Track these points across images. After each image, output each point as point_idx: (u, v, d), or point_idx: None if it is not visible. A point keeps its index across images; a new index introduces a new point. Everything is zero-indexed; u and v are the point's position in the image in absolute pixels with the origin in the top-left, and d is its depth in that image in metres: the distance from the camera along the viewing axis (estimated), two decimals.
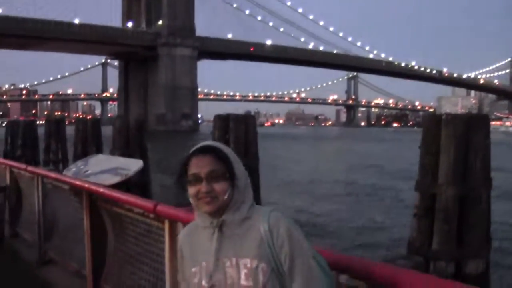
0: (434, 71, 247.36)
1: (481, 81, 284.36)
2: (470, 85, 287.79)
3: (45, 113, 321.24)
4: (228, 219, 2.42)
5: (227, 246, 2.40)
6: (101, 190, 5.95)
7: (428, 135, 10.59)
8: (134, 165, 7.26)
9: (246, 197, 2.46)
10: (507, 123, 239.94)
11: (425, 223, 10.40)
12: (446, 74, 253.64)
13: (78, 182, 6.70)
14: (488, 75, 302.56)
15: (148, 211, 4.82)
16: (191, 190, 2.40)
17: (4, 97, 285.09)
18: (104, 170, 7.07)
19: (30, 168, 9.08)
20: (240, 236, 2.40)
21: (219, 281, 2.38)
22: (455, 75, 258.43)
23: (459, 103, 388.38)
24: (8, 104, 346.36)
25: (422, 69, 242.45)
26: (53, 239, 8.25)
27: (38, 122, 39.01)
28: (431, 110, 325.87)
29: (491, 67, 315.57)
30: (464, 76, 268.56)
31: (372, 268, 2.69)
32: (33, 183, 8.70)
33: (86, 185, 6.35)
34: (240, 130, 15.82)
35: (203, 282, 2.42)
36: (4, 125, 37.40)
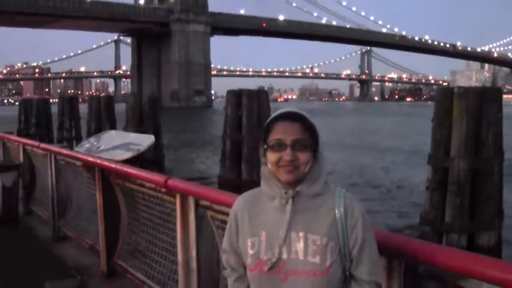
0: (447, 45, 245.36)
1: (495, 55, 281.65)
2: (484, 58, 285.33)
3: (58, 91, 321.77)
4: (303, 192, 2.29)
5: (297, 220, 2.27)
6: (113, 165, 5.99)
7: (440, 109, 10.55)
8: (146, 140, 7.28)
9: (322, 172, 2.34)
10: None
11: (437, 196, 10.40)
12: (460, 48, 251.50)
13: (90, 158, 6.74)
14: (502, 48, 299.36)
15: (159, 185, 4.85)
16: (272, 156, 2.25)
17: (17, 75, 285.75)
18: (116, 146, 7.11)
19: (43, 145, 9.13)
20: (312, 210, 2.29)
21: (284, 254, 2.25)
22: (469, 48, 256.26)
23: (473, 76, 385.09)
24: (21, 82, 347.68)
25: (435, 43, 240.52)
26: (67, 216, 8.30)
27: (51, 100, 39.10)
28: (445, 84, 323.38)
29: (505, 40, 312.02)
30: (478, 49, 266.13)
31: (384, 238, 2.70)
32: (46, 161, 8.75)
33: (99, 161, 6.39)
34: (253, 105, 15.80)
35: (262, 255, 2.28)
36: (17, 103, 37.44)
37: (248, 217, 2.39)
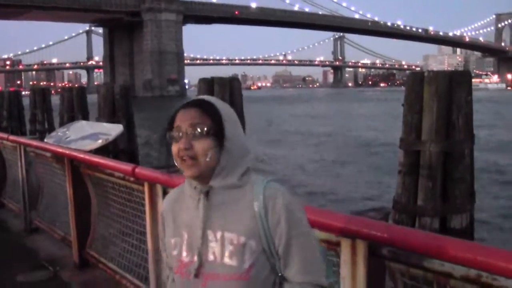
0: (420, 30, 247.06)
1: (467, 39, 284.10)
2: (456, 43, 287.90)
3: (31, 83, 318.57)
4: (216, 186, 2.02)
5: (213, 217, 2.02)
6: (81, 155, 5.96)
7: (411, 93, 10.62)
8: (114, 129, 7.24)
9: (239, 162, 2.03)
10: (486, 80, 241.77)
11: (409, 180, 10.48)
12: (431, 33, 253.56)
13: (59, 149, 6.69)
14: (473, 33, 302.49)
15: (127, 174, 4.84)
16: (173, 149, 2.01)
17: None
18: (84, 136, 7.06)
19: (12, 137, 9.03)
20: (229, 206, 2.03)
21: (201, 256, 2.02)
22: (440, 33, 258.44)
23: (445, 61, 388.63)
24: None
25: (408, 28, 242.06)
26: (38, 208, 8.25)
27: (23, 93, 38.74)
28: (418, 69, 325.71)
29: (476, 25, 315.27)
30: (450, 34, 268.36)
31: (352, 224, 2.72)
32: (16, 153, 8.67)
33: (67, 152, 6.35)
34: (225, 93, 15.78)
35: (183, 256, 2.07)
36: None
37: (172, 216, 2.18)
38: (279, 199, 1.97)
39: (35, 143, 8.00)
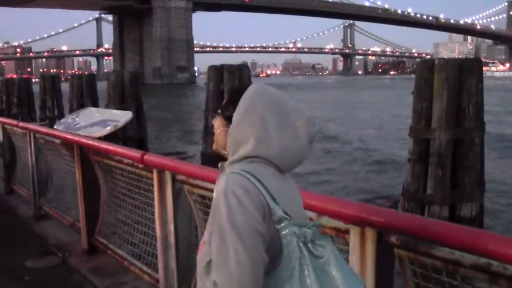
0: (430, 17, 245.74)
1: (478, 27, 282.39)
2: (467, 30, 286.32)
3: (41, 70, 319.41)
4: (224, 165, 2.02)
5: None
6: (91, 142, 5.95)
7: (421, 81, 10.57)
8: (123, 116, 7.20)
9: (236, 148, 1.96)
10: (493, 69, 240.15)
11: (419, 168, 10.46)
12: (442, 20, 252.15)
13: (68, 136, 6.68)
14: (485, 20, 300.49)
15: (136, 161, 4.83)
16: None
17: None
18: (94, 122, 7.04)
19: (21, 124, 9.04)
20: None
21: None
22: (451, 21, 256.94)
23: (456, 49, 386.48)
24: (3, 62, 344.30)
25: (418, 15, 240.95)
26: (47, 194, 8.27)
27: (33, 80, 38.87)
28: (428, 56, 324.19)
29: (487, 12, 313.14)
30: (461, 22, 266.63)
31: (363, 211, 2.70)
32: (25, 139, 8.69)
33: (76, 138, 6.34)
34: (234, 80, 15.77)
35: None
36: None
37: None
38: (217, 193, 1.85)
39: (44, 129, 8.00)
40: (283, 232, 1.81)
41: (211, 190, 3.81)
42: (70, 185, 7.31)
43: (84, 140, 6.15)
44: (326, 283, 1.79)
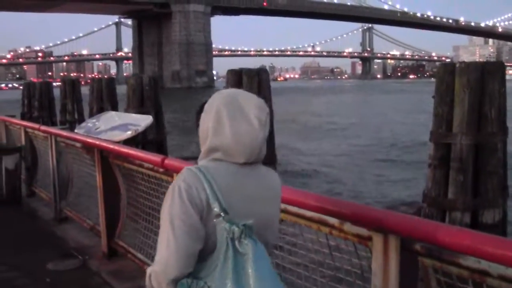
0: (450, 20, 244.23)
1: (499, 29, 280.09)
2: (488, 33, 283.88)
3: (61, 74, 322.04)
4: None
5: None
6: (111, 146, 5.98)
7: (441, 85, 10.48)
8: (144, 120, 7.25)
9: (202, 144, 2.21)
10: (510, 72, 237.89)
11: (440, 173, 10.35)
12: (463, 23, 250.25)
13: (89, 140, 6.73)
14: (506, 23, 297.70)
15: (157, 165, 4.83)
16: None
17: (21, 60, 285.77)
18: (114, 126, 7.09)
19: (43, 127, 9.14)
20: None
21: None
22: (472, 23, 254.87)
23: (477, 52, 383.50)
24: (25, 66, 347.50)
25: (438, 18, 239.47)
26: (68, 197, 8.33)
27: (54, 84, 39.23)
28: (448, 60, 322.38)
29: (509, 15, 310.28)
30: (482, 24, 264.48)
31: (383, 217, 2.67)
32: (47, 143, 8.76)
33: (97, 142, 6.38)
34: (253, 84, 15.77)
35: None
36: (21, 87, 37.70)
37: None
38: (172, 184, 2.12)
39: (65, 133, 8.07)
40: (218, 227, 2.02)
41: None
42: (90, 189, 7.34)
43: (104, 144, 6.19)
44: (242, 278, 1.97)
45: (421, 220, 2.55)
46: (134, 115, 9.50)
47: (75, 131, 7.94)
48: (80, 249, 6.83)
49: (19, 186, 9.94)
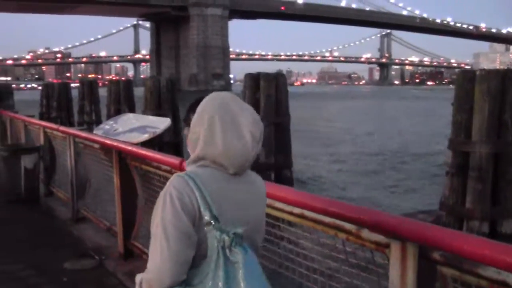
0: (471, 27, 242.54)
1: None
2: (510, 40, 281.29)
3: (79, 75, 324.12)
4: None
5: None
6: (130, 148, 6.00)
7: (461, 92, 10.43)
8: (162, 123, 7.26)
9: (192, 148, 2.22)
10: None
11: (458, 181, 10.30)
12: (483, 30, 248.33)
13: (107, 141, 6.76)
14: None
15: (175, 167, 4.84)
16: None
17: (40, 60, 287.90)
18: (132, 128, 7.12)
19: (62, 128, 9.21)
20: None
21: None
22: (493, 30, 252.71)
23: (497, 59, 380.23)
24: (43, 67, 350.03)
25: (458, 25, 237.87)
26: (85, 197, 8.37)
27: (72, 85, 39.50)
28: (467, 67, 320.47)
29: None
30: (503, 31, 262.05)
31: (401, 224, 2.65)
32: (65, 143, 8.83)
33: (116, 144, 6.40)
34: (270, 88, 15.79)
35: None
36: (40, 87, 38.06)
37: None
38: (163, 190, 2.12)
39: (83, 134, 8.12)
40: (209, 235, 2.03)
41: None
42: (107, 190, 7.38)
43: (123, 146, 6.21)
44: (232, 286, 1.99)
45: (440, 229, 2.53)
46: (151, 117, 9.54)
47: (94, 132, 7.97)
48: (96, 249, 6.87)
49: (37, 185, 10.04)
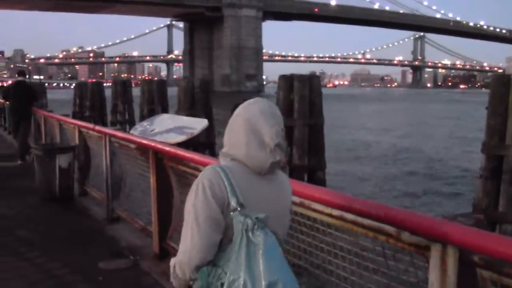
0: (504, 31, 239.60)
1: None
2: None
3: (112, 75, 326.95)
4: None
5: None
6: (167, 148, 6.04)
7: (495, 96, 10.38)
8: (199, 124, 7.31)
9: (224, 144, 2.47)
10: None
11: (491, 184, 10.25)
12: None
13: (144, 141, 6.81)
14: None
15: None
16: None
17: (73, 59, 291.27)
18: (169, 129, 7.17)
19: (98, 127, 9.29)
20: None
21: None
22: None
23: None
24: (76, 66, 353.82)
25: (491, 28, 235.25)
26: (120, 197, 8.43)
27: (105, 84, 39.84)
28: (500, 71, 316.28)
29: None
30: None
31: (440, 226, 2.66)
32: (101, 143, 8.89)
33: (153, 144, 6.45)
34: (304, 90, 15.83)
35: None
36: (73, 86, 38.45)
37: None
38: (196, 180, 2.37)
39: (120, 134, 8.17)
40: (234, 220, 2.24)
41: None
42: (142, 190, 7.44)
43: (160, 146, 6.25)
44: (253, 266, 2.18)
45: (482, 232, 2.53)
46: (187, 118, 9.61)
47: (130, 132, 8.05)
48: (131, 249, 6.90)
49: (72, 184, 10.09)
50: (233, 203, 2.25)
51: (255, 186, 2.35)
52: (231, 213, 2.25)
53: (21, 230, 7.90)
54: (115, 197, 8.46)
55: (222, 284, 2.22)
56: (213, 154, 17.99)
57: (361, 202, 3.19)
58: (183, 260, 2.28)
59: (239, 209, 2.24)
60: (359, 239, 3.35)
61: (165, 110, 28.66)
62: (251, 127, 2.34)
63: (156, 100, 29.22)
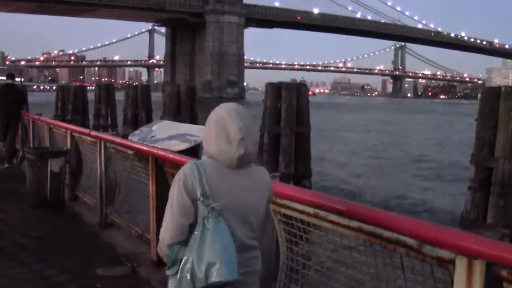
0: (484, 42, 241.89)
1: None
2: None
3: (93, 79, 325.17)
4: None
5: None
6: (170, 155, 6.01)
7: (485, 108, 10.46)
8: (201, 131, 7.28)
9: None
10: None
11: (479, 196, 10.31)
12: (497, 45, 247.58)
13: (144, 147, 6.79)
14: None
15: None
16: None
17: (53, 62, 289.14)
18: (171, 136, 7.12)
19: (93, 133, 9.24)
20: None
21: None
22: (506, 46, 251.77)
23: (510, 75, 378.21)
24: (57, 69, 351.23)
25: (472, 40, 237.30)
26: (114, 203, 8.39)
27: (88, 88, 39.63)
28: (480, 82, 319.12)
29: None
30: None
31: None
32: (95, 148, 8.83)
33: (154, 151, 6.43)
34: (292, 98, 15.84)
35: None
36: (54, 89, 38.16)
37: None
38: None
39: (118, 140, 8.12)
40: (199, 208, 2.66)
41: (298, 211, 3.84)
42: (138, 196, 7.41)
43: (161, 153, 6.23)
44: (202, 249, 2.59)
45: (508, 246, 2.55)
46: (187, 125, 9.55)
47: (129, 138, 7.99)
48: (128, 256, 6.88)
49: (63, 189, 10.02)
50: (198, 193, 2.66)
51: (227, 178, 2.76)
52: (198, 203, 2.66)
53: (16, 234, 7.85)
54: (109, 203, 8.43)
55: (181, 260, 2.66)
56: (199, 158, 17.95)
57: (379, 213, 3.21)
58: (160, 238, 2.78)
59: (201, 199, 2.65)
60: (377, 251, 3.33)
61: (149, 115, 28.59)
62: (220, 126, 2.76)
63: (140, 105, 29.08)
